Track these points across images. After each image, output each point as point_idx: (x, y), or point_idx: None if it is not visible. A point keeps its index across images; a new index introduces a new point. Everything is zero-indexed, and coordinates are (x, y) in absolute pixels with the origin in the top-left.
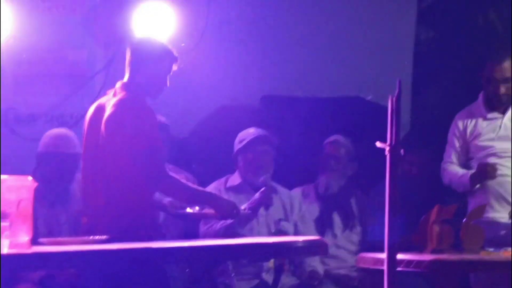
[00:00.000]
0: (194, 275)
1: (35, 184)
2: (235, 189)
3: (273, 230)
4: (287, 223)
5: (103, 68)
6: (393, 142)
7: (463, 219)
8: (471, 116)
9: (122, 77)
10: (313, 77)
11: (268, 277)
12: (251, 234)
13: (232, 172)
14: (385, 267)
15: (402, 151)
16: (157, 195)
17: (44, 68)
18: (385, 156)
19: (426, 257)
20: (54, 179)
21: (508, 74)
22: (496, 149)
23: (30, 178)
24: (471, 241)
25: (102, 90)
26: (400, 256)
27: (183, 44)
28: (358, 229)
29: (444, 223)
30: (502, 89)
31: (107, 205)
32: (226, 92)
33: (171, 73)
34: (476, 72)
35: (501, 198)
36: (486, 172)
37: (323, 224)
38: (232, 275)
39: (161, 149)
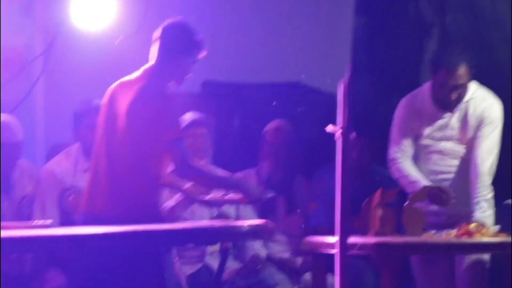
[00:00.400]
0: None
1: None
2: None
3: (214, 214)
4: (229, 206)
5: (42, 53)
6: (344, 126)
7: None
8: (417, 110)
9: (62, 62)
10: (254, 63)
11: (212, 261)
12: (192, 217)
13: None
14: (337, 251)
15: (353, 134)
16: (177, 181)
17: None
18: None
19: (370, 240)
20: None
21: (461, 81)
22: (440, 147)
23: None
24: (413, 224)
25: (41, 75)
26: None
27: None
28: (300, 213)
29: (386, 206)
30: (454, 95)
31: (123, 185)
32: None
33: (196, 61)
34: (409, 58)
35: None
36: (440, 199)
37: (265, 209)
38: (176, 259)
39: (184, 138)
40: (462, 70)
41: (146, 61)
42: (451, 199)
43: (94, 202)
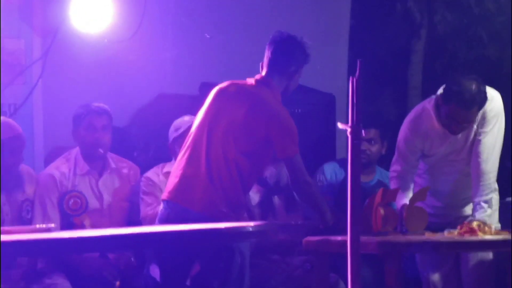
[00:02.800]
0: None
1: None
2: None
3: None
4: None
5: (40, 57)
6: (354, 123)
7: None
8: (424, 132)
9: (61, 66)
10: (251, 64)
11: None
12: None
13: (169, 160)
14: (348, 250)
15: (363, 132)
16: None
17: None
18: (327, 140)
19: (373, 239)
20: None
21: (471, 118)
22: (449, 160)
23: None
24: (415, 223)
25: (40, 79)
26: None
27: (106, 40)
28: (299, 212)
29: (388, 206)
30: (462, 127)
31: (218, 183)
32: (165, 80)
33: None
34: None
35: (436, 193)
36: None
37: (264, 209)
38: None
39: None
40: (475, 109)
41: (144, 62)
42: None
43: (183, 194)
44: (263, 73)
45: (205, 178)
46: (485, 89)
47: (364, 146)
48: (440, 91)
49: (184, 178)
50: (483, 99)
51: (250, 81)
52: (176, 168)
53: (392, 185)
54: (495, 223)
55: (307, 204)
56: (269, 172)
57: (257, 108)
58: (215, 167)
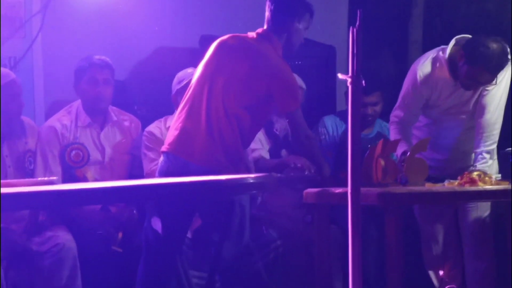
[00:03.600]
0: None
1: None
2: None
3: None
4: None
5: (40, 10)
6: (355, 73)
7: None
8: (433, 80)
9: (60, 20)
10: (252, 17)
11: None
12: None
13: (171, 113)
14: (349, 202)
15: (363, 82)
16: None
17: None
18: (328, 92)
19: (373, 190)
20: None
21: (491, 81)
22: (447, 107)
23: None
24: (415, 174)
25: (40, 32)
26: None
27: None
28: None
29: (388, 157)
30: (479, 88)
31: (218, 136)
32: (165, 33)
33: (308, 28)
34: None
35: (436, 146)
36: None
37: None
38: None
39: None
40: (498, 74)
41: (143, 15)
42: None
43: (183, 146)
44: (265, 26)
45: (205, 131)
46: (508, 51)
47: (370, 110)
48: (452, 43)
49: (184, 131)
50: (507, 61)
51: (252, 34)
52: (176, 120)
53: (392, 130)
54: (495, 173)
55: (306, 157)
56: (279, 125)
57: (258, 62)
58: (215, 121)
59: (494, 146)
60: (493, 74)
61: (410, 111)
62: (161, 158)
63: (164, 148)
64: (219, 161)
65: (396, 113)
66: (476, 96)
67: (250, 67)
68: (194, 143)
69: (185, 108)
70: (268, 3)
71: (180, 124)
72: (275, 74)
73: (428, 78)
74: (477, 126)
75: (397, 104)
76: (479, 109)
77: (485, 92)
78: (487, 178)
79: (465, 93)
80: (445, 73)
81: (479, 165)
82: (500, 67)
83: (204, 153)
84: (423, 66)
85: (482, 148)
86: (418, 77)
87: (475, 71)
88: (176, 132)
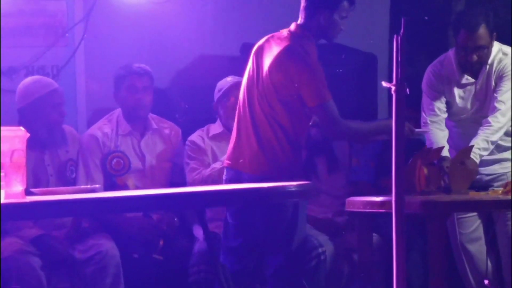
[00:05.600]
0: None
1: (28, 135)
2: (218, 138)
3: None
4: None
5: (82, 19)
6: (399, 81)
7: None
8: (444, 76)
9: (102, 28)
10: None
11: None
12: None
13: (213, 121)
14: (393, 210)
15: (407, 90)
16: None
17: (23, 20)
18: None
19: (417, 198)
20: (42, 125)
21: (481, 42)
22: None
23: (22, 128)
24: (459, 182)
25: (82, 41)
26: (387, 199)
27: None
28: (341, 173)
29: (431, 165)
30: (474, 57)
31: (266, 142)
32: (206, 41)
33: (347, 16)
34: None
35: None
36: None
37: (306, 169)
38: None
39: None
40: (482, 31)
41: (185, 23)
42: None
43: (236, 158)
44: (299, 21)
45: (254, 140)
46: (490, 10)
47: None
48: None
49: (236, 143)
50: (488, 18)
51: (284, 32)
52: (232, 133)
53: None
54: None
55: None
56: (313, 132)
57: (285, 60)
58: (261, 129)
59: (494, 138)
60: (473, 31)
61: (431, 111)
62: (224, 172)
63: (224, 163)
64: (269, 169)
65: (422, 118)
66: (489, 98)
67: (280, 68)
68: (244, 153)
69: (236, 120)
70: None
71: (233, 137)
72: (300, 68)
73: (439, 73)
74: (484, 121)
75: (422, 106)
76: (490, 111)
77: (498, 92)
78: None
79: (476, 92)
80: (452, 67)
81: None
82: (477, 23)
83: (255, 162)
84: (434, 64)
85: (482, 136)
86: (431, 73)
87: (459, 38)
88: (230, 146)
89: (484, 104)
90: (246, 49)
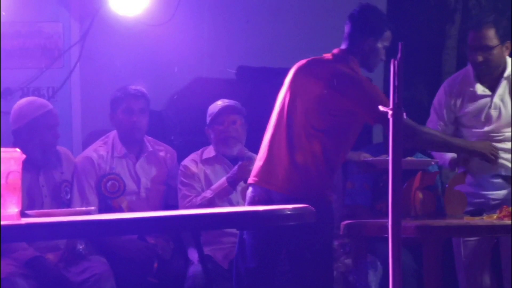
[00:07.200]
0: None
1: (23, 156)
2: (211, 161)
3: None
4: None
5: (78, 41)
6: (396, 106)
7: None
8: (461, 89)
9: (98, 50)
10: (288, 48)
11: None
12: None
13: (209, 144)
14: (389, 234)
15: (404, 114)
16: None
17: (19, 41)
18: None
19: (412, 222)
20: (36, 147)
21: (485, 42)
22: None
23: (18, 150)
24: (454, 206)
25: (78, 62)
26: (384, 222)
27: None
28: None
29: (426, 189)
30: (479, 57)
31: (301, 162)
32: (202, 64)
33: (388, 46)
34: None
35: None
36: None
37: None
38: None
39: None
40: (487, 31)
41: (181, 46)
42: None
43: (266, 176)
44: (342, 46)
45: (287, 159)
46: (498, 16)
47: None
48: None
49: (267, 161)
50: (497, 21)
51: (328, 56)
52: (260, 150)
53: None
54: None
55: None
56: None
57: (333, 81)
58: (298, 147)
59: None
60: (478, 29)
61: (439, 124)
62: (249, 189)
63: (250, 180)
64: (299, 189)
65: (431, 126)
66: (503, 117)
67: (325, 87)
68: (276, 172)
69: (268, 137)
70: (347, 21)
71: (263, 155)
72: (353, 88)
73: (451, 88)
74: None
75: (429, 119)
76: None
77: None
78: None
79: (492, 103)
80: (470, 80)
81: None
82: (482, 21)
83: (286, 181)
84: (450, 79)
85: None
86: (443, 88)
87: (468, 40)
88: (260, 163)
89: (500, 118)
90: (242, 71)
